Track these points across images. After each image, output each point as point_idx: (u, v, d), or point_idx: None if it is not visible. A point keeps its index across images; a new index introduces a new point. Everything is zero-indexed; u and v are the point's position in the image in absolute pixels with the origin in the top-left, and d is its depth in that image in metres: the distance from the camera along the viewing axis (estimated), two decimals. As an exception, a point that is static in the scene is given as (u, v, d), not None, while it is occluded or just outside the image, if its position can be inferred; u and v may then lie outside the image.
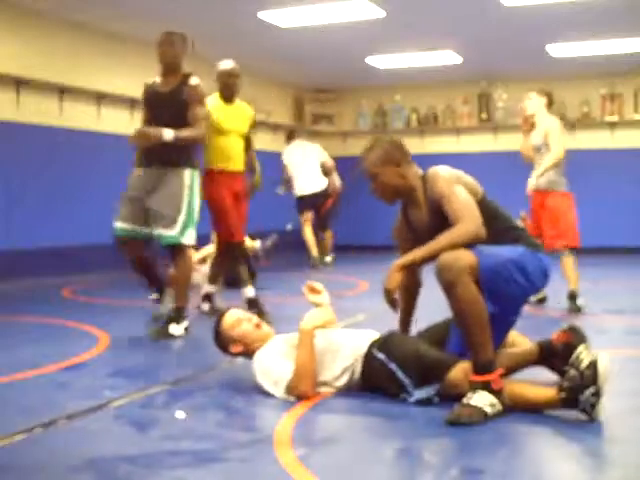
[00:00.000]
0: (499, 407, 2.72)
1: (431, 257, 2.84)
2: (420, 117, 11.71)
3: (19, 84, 7.28)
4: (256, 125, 5.48)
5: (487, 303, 2.78)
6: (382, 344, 3.07)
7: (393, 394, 2.96)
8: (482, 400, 2.70)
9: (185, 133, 4.39)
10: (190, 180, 4.49)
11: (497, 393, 2.72)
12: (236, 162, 5.17)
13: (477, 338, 2.74)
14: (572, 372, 2.66)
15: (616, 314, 5.27)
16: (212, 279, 5.46)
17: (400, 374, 2.93)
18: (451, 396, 2.80)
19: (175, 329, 4.39)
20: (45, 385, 3.33)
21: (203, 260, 7.24)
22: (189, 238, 4.49)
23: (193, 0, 7.01)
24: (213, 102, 5.07)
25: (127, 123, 8.62)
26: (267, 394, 3.09)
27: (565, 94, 10.95)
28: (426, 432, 2.62)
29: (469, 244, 2.81)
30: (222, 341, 3.35)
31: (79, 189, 7.98)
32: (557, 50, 9.20)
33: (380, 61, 9.89)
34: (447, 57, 9.59)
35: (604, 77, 10.51)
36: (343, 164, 10.68)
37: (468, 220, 2.83)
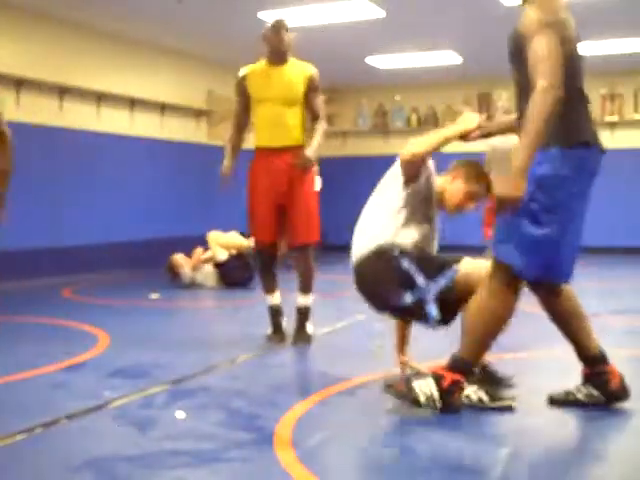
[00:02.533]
0: (436, 404, 2.76)
1: (536, 145, 2.50)
2: (420, 117, 11.70)
3: (19, 84, 7.28)
4: (317, 87, 4.31)
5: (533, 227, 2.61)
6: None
7: (390, 302, 3.01)
8: (423, 387, 2.77)
9: None
10: None
11: (447, 392, 2.76)
12: (280, 136, 4.22)
13: (476, 337, 2.76)
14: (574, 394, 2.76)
15: (617, 314, 5.27)
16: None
17: (413, 269, 2.94)
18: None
19: None
20: (45, 385, 3.33)
21: (207, 260, 7.20)
22: None
23: (193, 0, 7.00)
24: (253, 67, 4.32)
25: (127, 123, 8.63)
26: (267, 394, 3.10)
27: (565, 94, 10.95)
28: (426, 432, 2.62)
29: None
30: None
31: (79, 189, 7.97)
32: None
33: (380, 61, 9.89)
34: (447, 57, 9.59)
35: (604, 77, 10.50)
36: (343, 164, 10.68)
37: (547, 79, 2.50)
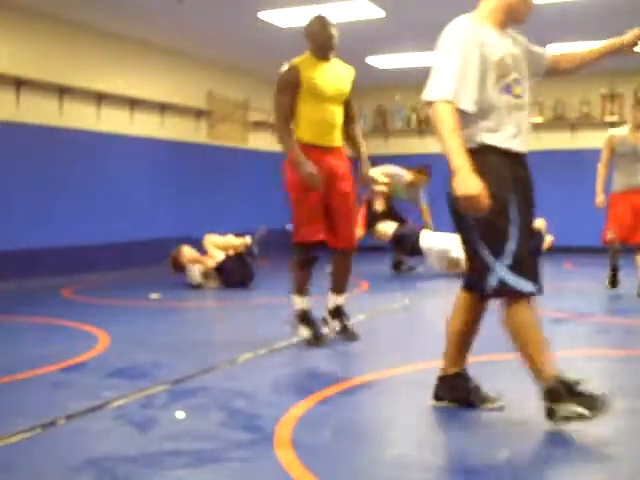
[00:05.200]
0: None
1: None
2: (420, 117, 11.71)
3: (19, 84, 7.29)
4: (354, 88, 4.37)
5: None
6: None
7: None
8: None
9: None
10: None
11: None
12: (332, 135, 4.18)
13: None
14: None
15: (617, 314, 5.27)
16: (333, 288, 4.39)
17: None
18: None
19: None
20: (45, 385, 3.33)
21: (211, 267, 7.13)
22: None
23: (193, 0, 7.00)
24: (305, 61, 4.15)
25: (127, 123, 8.63)
26: (267, 394, 3.10)
27: (565, 94, 10.96)
28: (427, 433, 2.62)
29: None
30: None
31: (79, 189, 7.98)
32: (557, 50, 9.20)
33: (380, 61, 9.89)
34: (447, 57, 9.58)
35: (604, 77, 10.51)
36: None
37: None
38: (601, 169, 6.07)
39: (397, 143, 11.87)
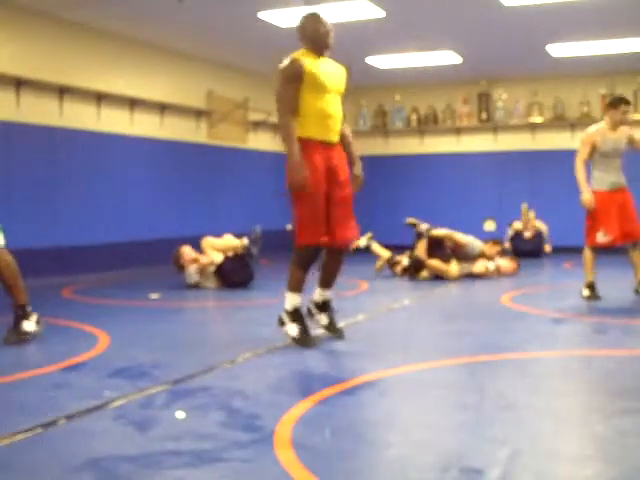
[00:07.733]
0: None
1: None
2: (420, 117, 11.71)
3: (19, 84, 7.29)
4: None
5: None
6: None
7: None
8: None
9: None
10: None
11: None
12: (335, 131, 4.17)
13: None
14: None
15: (617, 314, 5.26)
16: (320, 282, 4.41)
17: None
18: None
19: (28, 325, 4.31)
20: (45, 385, 3.34)
21: (210, 264, 7.12)
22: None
23: (193, 0, 7.00)
24: (304, 55, 4.14)
25: (127, 123, 8.63)
26: (267, 394, 3.10)
27: (565, 94, 10.96)
28: (426, 432, 2.62)
29: None
30: None
31: (79, 189, 7.98)
32: (557, 50, 9.21)
33: (380, 61, 9.89)
34: (447, 57, 9.59)
35: (604, 77, 10.51)
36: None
37: None
38: (582, 166, 5.78)
39: (397, 143, 11.87)
